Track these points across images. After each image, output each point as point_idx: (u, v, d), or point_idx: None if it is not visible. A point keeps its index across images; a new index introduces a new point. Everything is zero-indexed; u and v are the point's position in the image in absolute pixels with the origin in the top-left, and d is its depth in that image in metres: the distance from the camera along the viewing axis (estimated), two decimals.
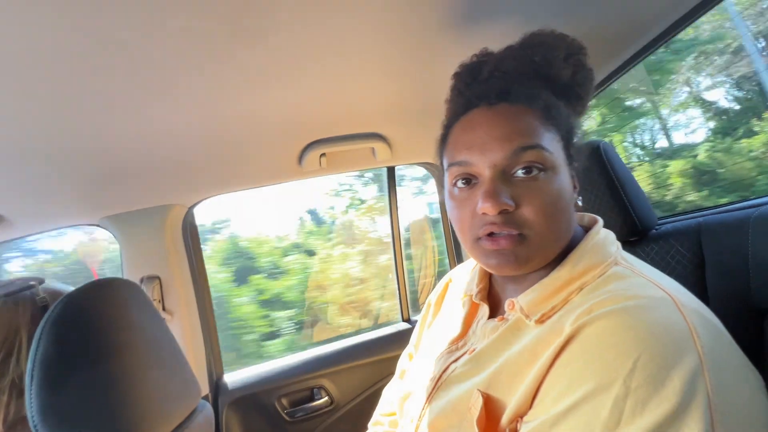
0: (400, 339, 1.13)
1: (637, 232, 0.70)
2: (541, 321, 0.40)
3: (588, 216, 0.49)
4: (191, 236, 1.08)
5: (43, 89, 0.52)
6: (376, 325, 1.40)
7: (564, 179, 0.41)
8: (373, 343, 1.20)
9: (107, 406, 0.43)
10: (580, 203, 0.46)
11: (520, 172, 0.40)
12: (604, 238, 0.43)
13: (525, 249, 0.40)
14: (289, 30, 0.52)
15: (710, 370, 0.30)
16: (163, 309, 0.96)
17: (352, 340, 1.20)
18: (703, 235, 0.62)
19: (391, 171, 1.23)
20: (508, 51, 0.48)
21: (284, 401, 1.09)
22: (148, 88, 0.57)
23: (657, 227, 0.71)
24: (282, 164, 0.95)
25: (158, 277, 0.96)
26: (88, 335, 0.45)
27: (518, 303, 0.42)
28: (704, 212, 0.69)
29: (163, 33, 0.47)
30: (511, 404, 0.37)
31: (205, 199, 1.03)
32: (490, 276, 0.54)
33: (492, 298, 0.52)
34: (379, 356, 1.16)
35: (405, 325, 1.26)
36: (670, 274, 0.44)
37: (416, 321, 0.69)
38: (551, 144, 0.41)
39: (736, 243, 0.57)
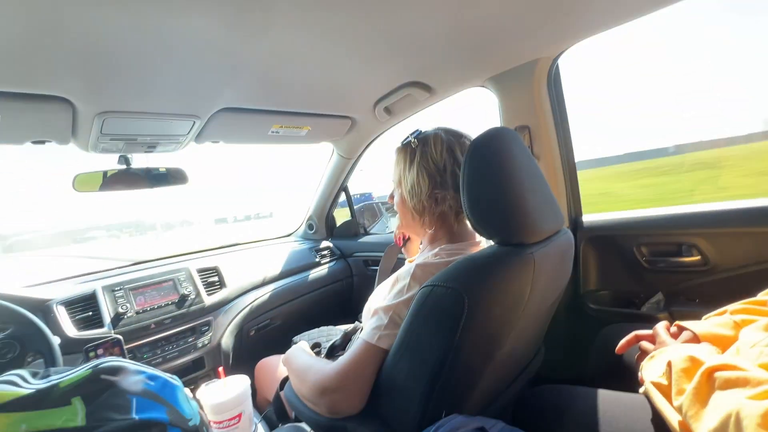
0: None
1: None
2: None
3: None
4: (555, 87, 1.15)
5: None
6: None
7: None
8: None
9: (502, 210, 0.65)
10: None
11: None
12: None
13: None
14: None
15: None
16: (533, 153, 1.15)
17: (739, 204, 0.96)
18: None
19: None
20: None
21: (644, 249, 1.11)
22: None
23: None
24: None
25: (528, 127, 1.13)
26: (489, 164, 0.66)
27: None
28: None
29: None
30: None
31: (570, 46, 1.03)
32: None
33: None
34: None
35: None
36: None
37: None
38: None
39: None
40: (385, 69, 1.11)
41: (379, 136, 1.67)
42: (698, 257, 1.02)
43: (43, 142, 1.03)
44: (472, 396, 0.67)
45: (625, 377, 0.73)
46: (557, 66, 1.12)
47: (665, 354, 0.55)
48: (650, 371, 0.56)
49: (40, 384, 0.39)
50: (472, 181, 0.65)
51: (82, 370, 0.41)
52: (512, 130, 0.73)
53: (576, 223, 1.22)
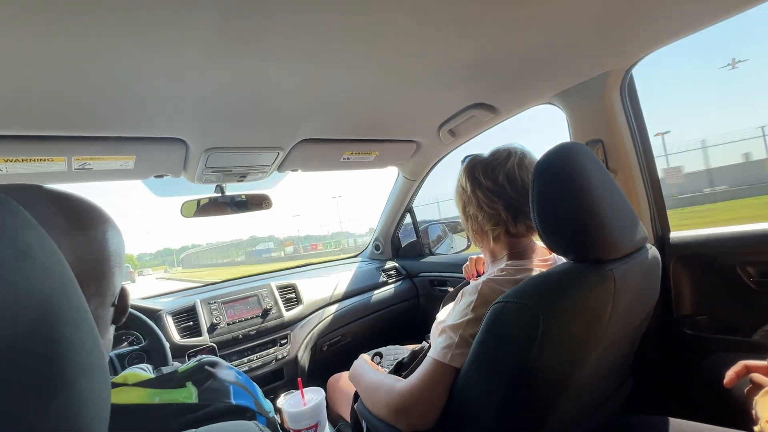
0: None
1: None
2: None
3: None
4: (630, 99, 1.10)
5: None
6: None
7: None
8: None
9: (575, 226, 0.64)
10: None
11: None
12: None
13: None
14: None
15: None
16: (608, 168, 1.09)
17: None
18: None
19: None
20: None
21: (750, 269, 0.98)
22: None
23: None
24: None
25: (601, 141, 1.09)
26: (559, 180, 0.66)
27: None
28: None
29: None
30: None
31: (643, 57, 0.99)
32: None
33: None
34: None
35: None
36: None
37: None
38: None
39: None
40: (449, 94, 1.15)
41: (444, 157, 1.71)
42: None
43: (162, 176, 1.25)
44: (549, 420, 0.64)
45: (734, 412, 0.65)
46: (631, 76, 1.08)
47: None
48: (766, 408, 0.50)
49: (162, 371, 0.51)
50: (541, 199, 0.65)
51: (191, 362, 0.52)
52: (583, 145, 0.72)
53: (663, 241, 1.12)
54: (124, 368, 1.04)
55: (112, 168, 1.07)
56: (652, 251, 0.76)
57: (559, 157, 0.66)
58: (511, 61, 0.97)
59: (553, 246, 0.67)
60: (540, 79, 1.10)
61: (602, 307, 0.61)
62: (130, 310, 1.12)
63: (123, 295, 0.43)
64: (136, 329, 1.14)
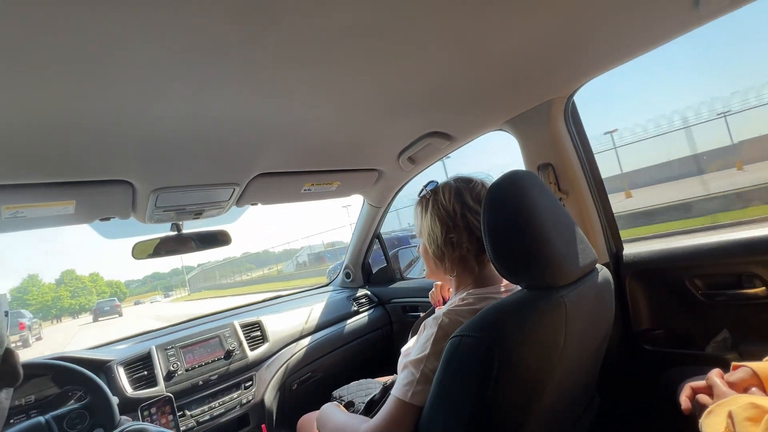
0: None
1: None
2: None
3: None
4: (574, 124, 1.15)
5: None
6: None
7: None
8: None
9: (524, 255, 0.65)
10: None
11: None
12: None
13: None
14: None
15: None
16: (559, 189, 1.13)
17: None
18: None
19: None
20: None
21: (698, 282, 1.02)
22: None
23: None
24: (675, 10, 0.77)
25: (551, 164, 1.13)
26: (507, 210, 0.67)
27: None
28: None
29: None
30: None
31: (582, 85, 1.05)
32: None
33: None
34: None
35: None
36: None
37: None
38: None
39: None
40: (406, 123, 1.17)
41: (406, 183, 1.72)
42: (762, 288, 0.92)
43: (108, 219, 1.18)
44: None
45: (696, 428, 0.65)
46: (573, 103, 1.14)
47: (724, 406, 0.50)
48: (712, 428, 0.51)
49: None
50: (492, 226, 0.66)
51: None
52: (529, 172, 0.74)
53: (617, 258, 1.16)
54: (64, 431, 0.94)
55: (49, 215, 1.01)
56: (603, 273, 0.78)
57: (505, 187, 0.68)
58: (462, 90, 1.00)
59: (505, 274, 0.68)
60: (490, 108, 1.14)
61: (556, 334, 0.61)
62: (67, 365, 1.03)
63: (7, 356, 0.40)
64: (80, 385, 1.04)
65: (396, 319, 1.97)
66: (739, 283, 0.96)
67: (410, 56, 0.78)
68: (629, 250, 1.16)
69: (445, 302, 1.12)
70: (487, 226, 0.67)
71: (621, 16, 0.77)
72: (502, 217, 0.66)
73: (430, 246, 0.84)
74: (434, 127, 1.25)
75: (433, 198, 0.83)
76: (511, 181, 0.68)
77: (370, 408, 0.93)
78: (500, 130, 1.26)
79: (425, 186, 0.87)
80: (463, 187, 0.82)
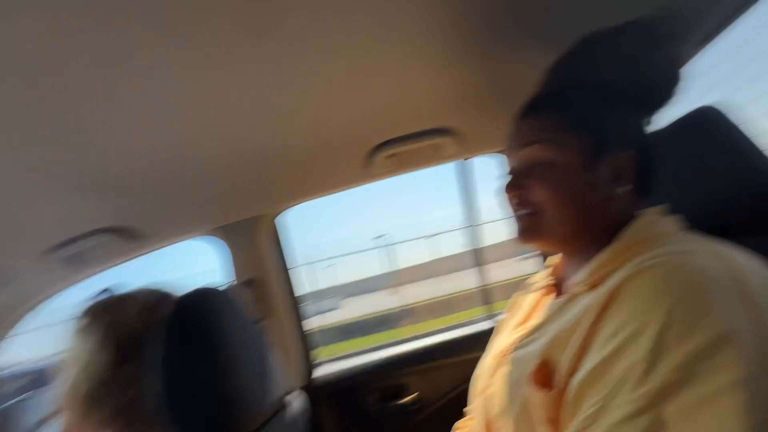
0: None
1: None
2: (593, 286, 0.43)
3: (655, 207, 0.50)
4: (276, 244, 1.19)
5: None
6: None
7: (569, 172, 0.48)
8: (458, 342, 1.17)
9: (209, 397, 0.50)
10: (624, 193, 0.48)
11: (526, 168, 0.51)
12: (655, 221, 0.46)
13: (534, 222, 0.50)
14: (345, 31, 0.52)
15: (751, 307, 0.32)
16: (262, 307, 1.07)
17: (439, 338, 1.19)
18: None
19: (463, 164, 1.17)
20: (556, 63, 0.56)
21: (372, 398, 1.13)
22: (237, 106, 0.63)
23: None
24: (351, 169, 0.97)
25: (256, 280, 1.08)
26: (193, 337, 0.52)
27: (573, 280, 0.48)
28: None
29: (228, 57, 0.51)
30: (563, 363, 0.39)
31: (286, 209, 1.13)
32: (559, 269, 0.57)
33: (559, 289, 0.56)
34: (467, 355, 1.13)
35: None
36: None
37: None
38: (558, 146, 0.48)
39: None
40: (74, 208, 0.84)
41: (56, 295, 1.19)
42: (412, 396, 1.11)
43: None
44: None
45: None
46: (281, 223, 1.19)
47: None
48: None
49: None
50: (166, 359, 0.48)
51: None
52: (224, 291, 0.63)
53: (311, 381, 1.15)
54: None
55: None
56: (292, 407, 0.71)
57: (192, 308, 0.53)
58: (160, 185, 0.83)
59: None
60: (196, 212, 1.01)
61: None
62: None
63: None
64: None
65: None
66: (401, 393, 1.13)
67: (87, 131, 0.58)
68: (318, 374, 1.18)
69: None
70: (162, 360, 0.48)
71: (314, 159, 0.90)
72: (179, 346, 0.49)
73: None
74: (115, 222, 0.97)
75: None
76: (197, 299, 0.55)
77: None
78: (211, 236, 1.13)
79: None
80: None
